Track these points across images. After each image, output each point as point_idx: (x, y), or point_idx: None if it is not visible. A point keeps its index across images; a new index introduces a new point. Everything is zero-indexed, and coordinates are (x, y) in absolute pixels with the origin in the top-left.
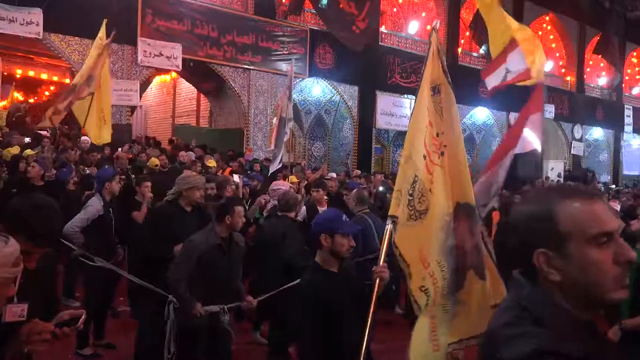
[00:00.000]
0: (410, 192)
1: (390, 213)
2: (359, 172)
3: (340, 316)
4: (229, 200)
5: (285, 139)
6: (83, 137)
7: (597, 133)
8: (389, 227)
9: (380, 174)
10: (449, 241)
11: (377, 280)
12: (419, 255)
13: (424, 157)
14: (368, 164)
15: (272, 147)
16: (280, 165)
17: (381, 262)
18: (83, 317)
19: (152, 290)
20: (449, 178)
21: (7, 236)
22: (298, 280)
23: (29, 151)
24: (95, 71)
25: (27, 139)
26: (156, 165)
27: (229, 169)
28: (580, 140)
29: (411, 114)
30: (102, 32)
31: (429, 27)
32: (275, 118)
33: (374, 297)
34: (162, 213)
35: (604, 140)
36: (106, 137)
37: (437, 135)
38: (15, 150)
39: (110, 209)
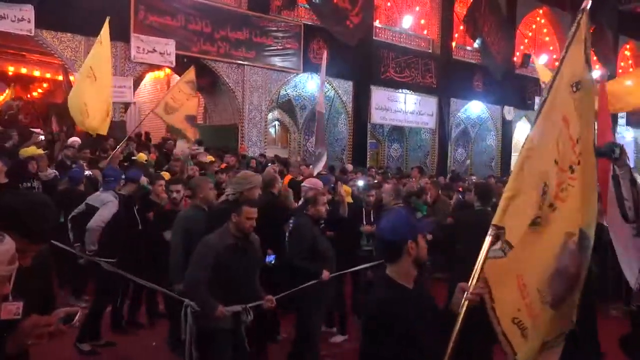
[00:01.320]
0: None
1: (494, 222)
2: (351, 166)
3: (419, 344)
4: (242, 199)
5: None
6: (72, 138)
7: None
8: (489, 238)
9: (374, 168)
10: (557, 265)
11: (466, 304)
12: (516, 282)
13: (555, 162)
14: (363, 159)
15: (315, 145)
16: (322, 165)
17: (475, 282)
18: (79, 314)
19: (167, 294)
20: (580, 196)
21: (2, 234)
22: (315, 281)
23: (32, 149)
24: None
25: (41, 137)
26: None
27: (223, 165)
28: None
29: (540, 106)
30: (104, 31)
31: (422, 21)
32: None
33: (458, 324)
34: (229, 213)
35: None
36: (103, 129)
37: (577, 141)
38: (32, 150)
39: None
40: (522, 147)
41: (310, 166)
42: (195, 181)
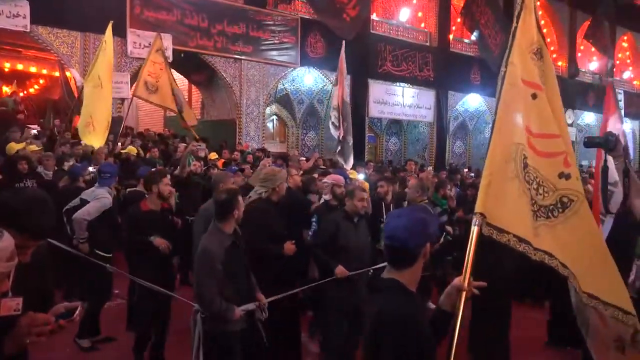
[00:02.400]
0: (527, 179)
1: (476, 210)
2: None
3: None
4: (231, 193)
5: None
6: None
7: (589, 118)
8: (475, 228)
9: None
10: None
11: (463, 299)
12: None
13: (528, 130)
14: (361, 153)
15: (342, 136)
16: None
17: (467, 277)
18: (79, 309)
19: (172, 295)
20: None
21: (1, 231)
22: (330, 279)
23: (28, 146)
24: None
25: (33, 132)
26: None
27: (221, 161)
28: (572, 125)
29: (502, 79)
30: (107, 36)
31: (420, 14)
32: (333, 107)
33: (457, 320)
34: (267, 211)
35: (596, 124)
36: (102, 142)
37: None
38: (19, 145)
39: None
40: (492, 127)
41: (303, 159)
42: (217, 176)
